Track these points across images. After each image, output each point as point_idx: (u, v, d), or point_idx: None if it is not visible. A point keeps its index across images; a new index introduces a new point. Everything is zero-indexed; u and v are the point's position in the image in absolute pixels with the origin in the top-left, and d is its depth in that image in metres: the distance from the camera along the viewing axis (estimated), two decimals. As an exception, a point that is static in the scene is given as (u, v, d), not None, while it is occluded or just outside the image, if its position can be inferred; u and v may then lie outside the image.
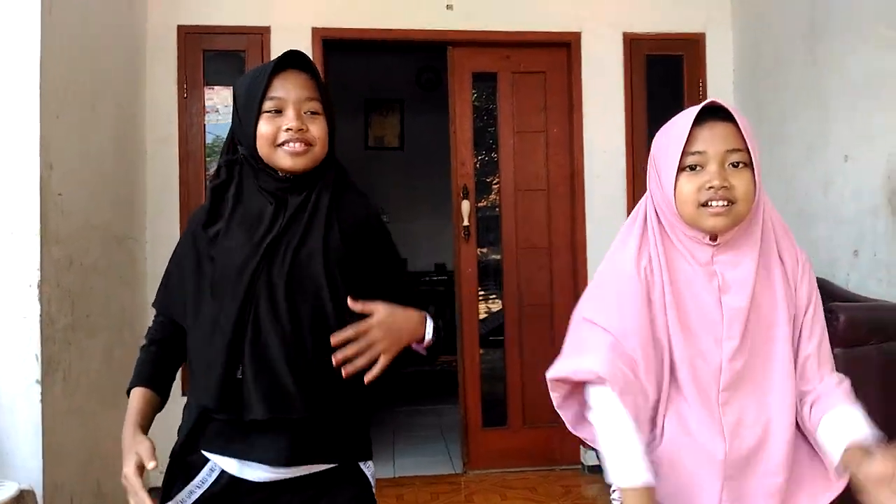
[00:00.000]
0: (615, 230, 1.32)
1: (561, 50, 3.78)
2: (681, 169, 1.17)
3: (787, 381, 1.19)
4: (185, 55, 3.52)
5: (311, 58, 1.32)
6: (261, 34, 3.55)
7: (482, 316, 4.01)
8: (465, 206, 3.72)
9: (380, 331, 1.18)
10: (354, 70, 5.69)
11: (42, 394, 2.29)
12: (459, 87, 3.77)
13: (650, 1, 3.79)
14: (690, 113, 1.17)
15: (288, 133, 1.24)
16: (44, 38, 2.35)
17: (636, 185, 3.68)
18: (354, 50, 5.31)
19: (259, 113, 1.25)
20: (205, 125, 3.55)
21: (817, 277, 3.35)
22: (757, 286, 1.19)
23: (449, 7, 3.68)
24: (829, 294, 2.78)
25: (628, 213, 1.96)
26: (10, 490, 2.11)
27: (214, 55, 3.60)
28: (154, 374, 1.33)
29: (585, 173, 3.70)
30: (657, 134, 1.25)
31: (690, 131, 1.16)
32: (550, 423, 3.22)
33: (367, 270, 1.29)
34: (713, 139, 1.16)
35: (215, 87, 3.57)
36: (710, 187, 1.14)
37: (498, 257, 3.89)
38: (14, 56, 2.32)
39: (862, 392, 2.38)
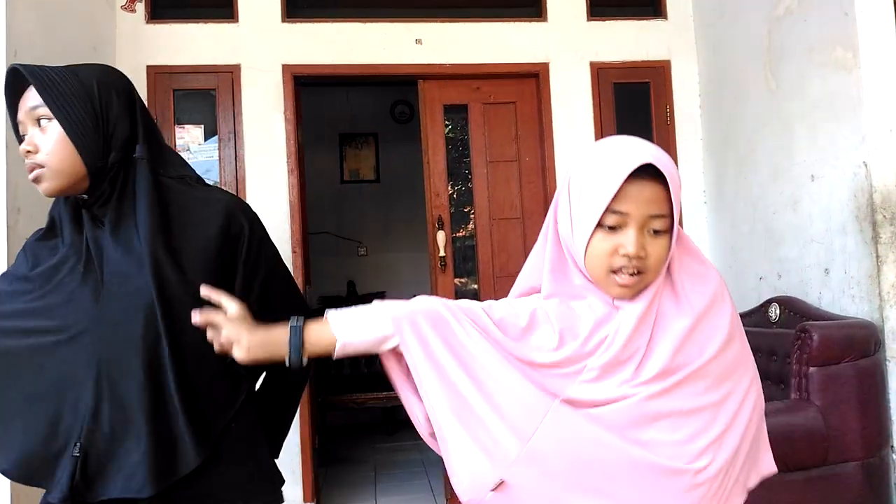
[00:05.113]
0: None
1: (530, 80, 3.83)
2: (598, 224, 1.05)
3: None
4: (156, 95, 3.52)
5: (40, 70, 1.21)
6: (231, 72, 3.56)
7: (462, 346, 3.98)
8: (441, 236, 3.73)
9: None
10: (328, 105, 5.72)
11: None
12: (431, 120, 3.79)
13: (614, 30, 3.87)
14: (624, 166, 1.02)
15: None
16: (9, 83, 2.33)
17: (609, 211, 3.71)
18: (327, 85, 5.35)
19: None
20: (176, 163, 3.54)
21: (790, 297, 3.37)
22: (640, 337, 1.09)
23: (418, 41, 3.72)
24: (803, 313, 2.81)
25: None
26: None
27: (185, 94, 3.61)
28: None
29: (559, 200, 3.72)
30: (580, 165, 1.10)
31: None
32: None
33: None
34: (639, 201, 1.03)
35: (186, 126, 3.57)
36: (625, 255, 1.04)
37: (476, 287, 3.89)
38: (-22, 101, 2.30)
39: (838, 409, 2.41)
